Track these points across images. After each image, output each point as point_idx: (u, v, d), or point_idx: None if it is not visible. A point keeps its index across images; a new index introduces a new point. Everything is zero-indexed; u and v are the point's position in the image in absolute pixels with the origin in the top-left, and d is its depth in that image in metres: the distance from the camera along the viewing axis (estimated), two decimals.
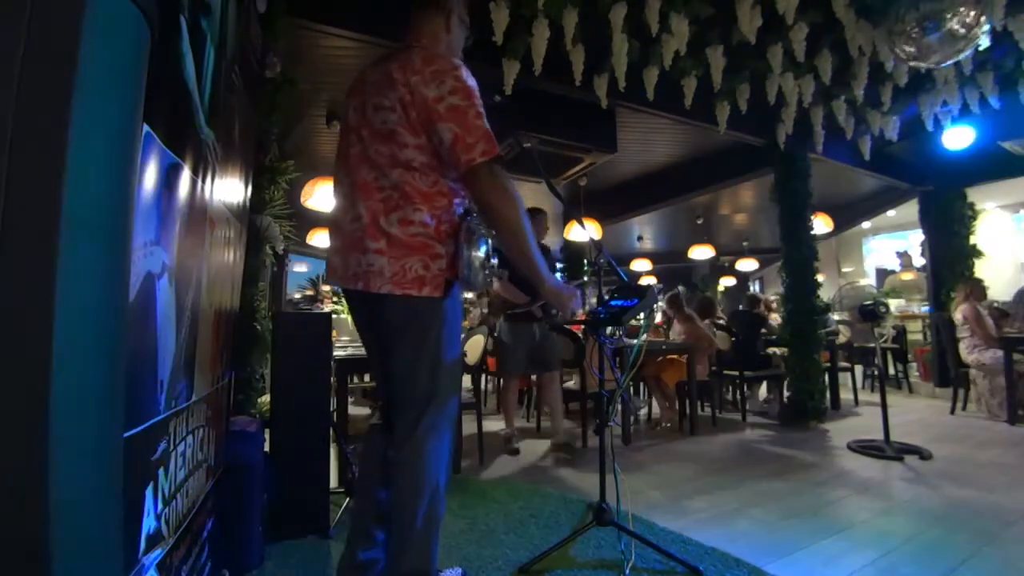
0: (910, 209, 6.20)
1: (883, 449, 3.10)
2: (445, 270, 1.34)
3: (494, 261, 1.38)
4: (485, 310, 5.89)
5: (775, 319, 5.44)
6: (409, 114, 1.29)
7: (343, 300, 1.61)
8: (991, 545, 1.88)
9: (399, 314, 1.34)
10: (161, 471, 1.02)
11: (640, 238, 9.52)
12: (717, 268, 11.39)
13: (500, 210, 1.30)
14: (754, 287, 11.62)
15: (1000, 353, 4.11)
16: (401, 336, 1.37)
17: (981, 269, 5.40)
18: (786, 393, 4.32)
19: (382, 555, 1.41)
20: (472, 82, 1.33)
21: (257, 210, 2.15)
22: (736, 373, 4.51)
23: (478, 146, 1.26)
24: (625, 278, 1.99)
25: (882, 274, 9.09)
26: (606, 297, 2.01)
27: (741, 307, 5.28)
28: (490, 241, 1.36)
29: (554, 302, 1.51)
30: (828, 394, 4.37)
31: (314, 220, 4.60)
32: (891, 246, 9.24)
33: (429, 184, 1.33)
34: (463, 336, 3.53)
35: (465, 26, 1.55)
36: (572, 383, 4.04)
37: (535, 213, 3.20)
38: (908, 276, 8.21)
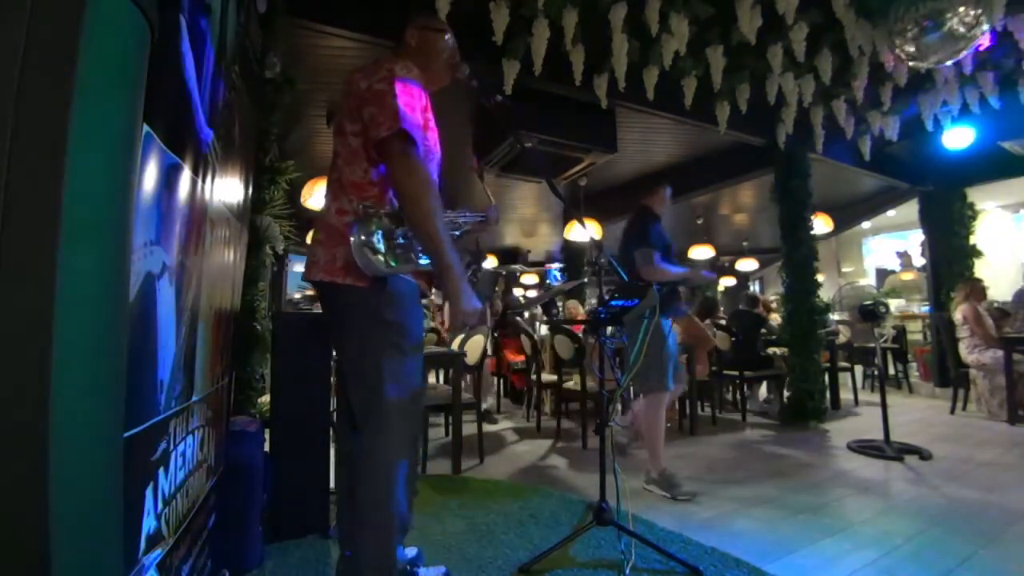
0: (910, 209, 6.19)
1: (883, 449, 3.10)
2: None
3: (374, 240, 1.31)
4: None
5: (775, 319, 5.44)
6: (350, 103, 1.39)
7: None
8: (991, 545, 1.88)
9: (333, 302, 1.40)
10: (161, 471, 1.02)
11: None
12: (717, 268, 11.38)
13: (403, 186, 1.32)
14: (754, 287, 11.62)
15: (1000, 353, 4.11)
16: (338, 327, 1.40)
17: (981, 269, 5.40)
18: (786, 393, 4.32)
19: None
20: (404, 76, 1.37)
21: (257, 210, 2.14)
22: (736, 373, 4.51)
23: (385, 123, 1.30)
24: (626, 278, 1.99)
25: (882, 274, 9.08)
26: (606, 297, 2.01)
27: (741, 307, 5.28)
28: (380, 221, 1.33)
29: (449, 291, 1.32)
30: (828, 394, 4.37)
31: (314, 220, 4.60)
32: (891, 246, 9.24)
33: (360, 174, 1.39)
34: (463, 336, 3.54)
35: (436, 30, 1.57)
36: (572, 383, 4.04)
37: (655, 185, 2.90)
38: (908, 276, 8.21)
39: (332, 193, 1.43)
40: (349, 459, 1.49)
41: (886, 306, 3.36)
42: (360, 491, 1.35)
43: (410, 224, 1.34)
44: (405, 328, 1.38)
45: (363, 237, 1.29)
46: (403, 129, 1.28)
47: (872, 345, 4.51)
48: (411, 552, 1.66)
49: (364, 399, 1.35)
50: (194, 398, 1.24)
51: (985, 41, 2.56)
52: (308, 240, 1.49)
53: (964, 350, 4.43)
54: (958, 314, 4.49)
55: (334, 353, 2.42)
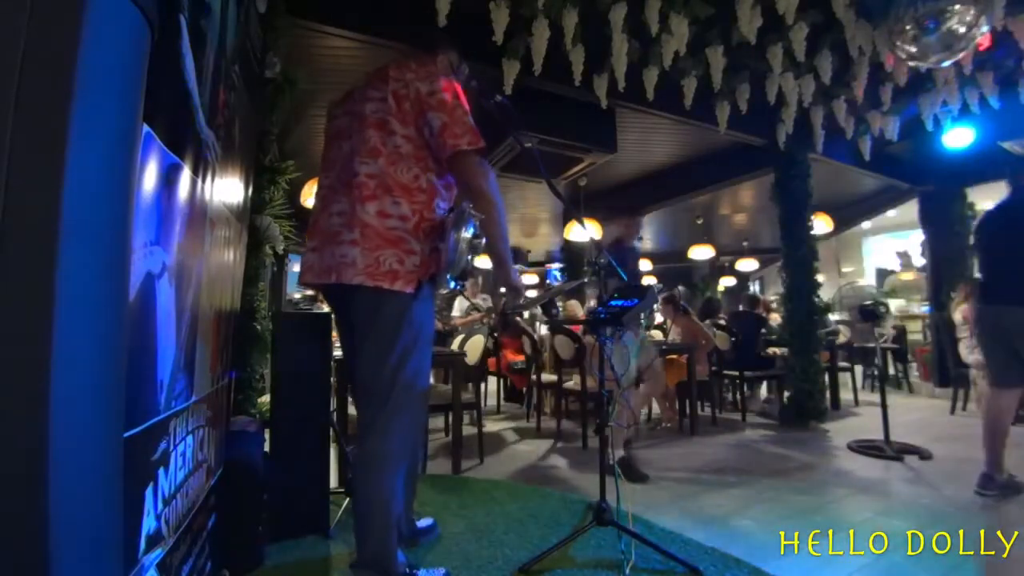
0: (910, 209, 6.19)
1: (883, 449, 3.10)
2: (419, 268, 1.35)
3: (483, 240, 1.41)
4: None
5: (775, 319, 5.44)
6: (401, 105, 1.38)
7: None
8: (990, 545, 1.87)
9: (369, 305, 1.37)
10: (161, 471, 1.02)
11: (640, 238, 9.52)
12: (717, 268, 11.38)
13: (486, 193, 1.38)
14: (754, 287, 11.62)
15: None
16: (368, 330, 1.39)
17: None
18: (786, 393, 4.32)
19: None
20: (459, 90, 1.45)
21: (257, 210, 2.14)
22: (736, 373, 4.51)
23: (466, 136, 1.36)
24: (625, 278, 1.99)
25: (882, 274, 9.08)
26: (606, 297, 2.01)
27: (741, 307, 5.29)
28: (478, 224, 1.40)
29: (508, 277, 1.52)
30: (828, 394, 4.37)
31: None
32: (891, 246, 9.24)
33: (411, 177, 1.38)
34: (463, 336, 3.54)
35: (458, 71, 1.63)
36: (572, 383, 4.04)
37: (632, 214, 2.97)
38: (908, 276, 8.20)
39: (366, 191, 1.36)
40: (355, 461, 1.51)
41: (886, 306, 3.37)
42: (362, 490, 1.36)
43: (486, 224, 1.41)
44: (426, 333, 1.44)
45: (463, 235, 1.36)
46: (482, 145, 1.38)
47: (872, 345, 4.51)
48: (426, 522, 1.78)
49: (379, 393, 1.37)
50: (194, 398, 1.24)
51: (985, 41, 2.55)
52: (315, 243, 1.43)
53: (964, 350, 4.43)
54: (958, 314, 4.48)
55: (334, 352, 2.43)
